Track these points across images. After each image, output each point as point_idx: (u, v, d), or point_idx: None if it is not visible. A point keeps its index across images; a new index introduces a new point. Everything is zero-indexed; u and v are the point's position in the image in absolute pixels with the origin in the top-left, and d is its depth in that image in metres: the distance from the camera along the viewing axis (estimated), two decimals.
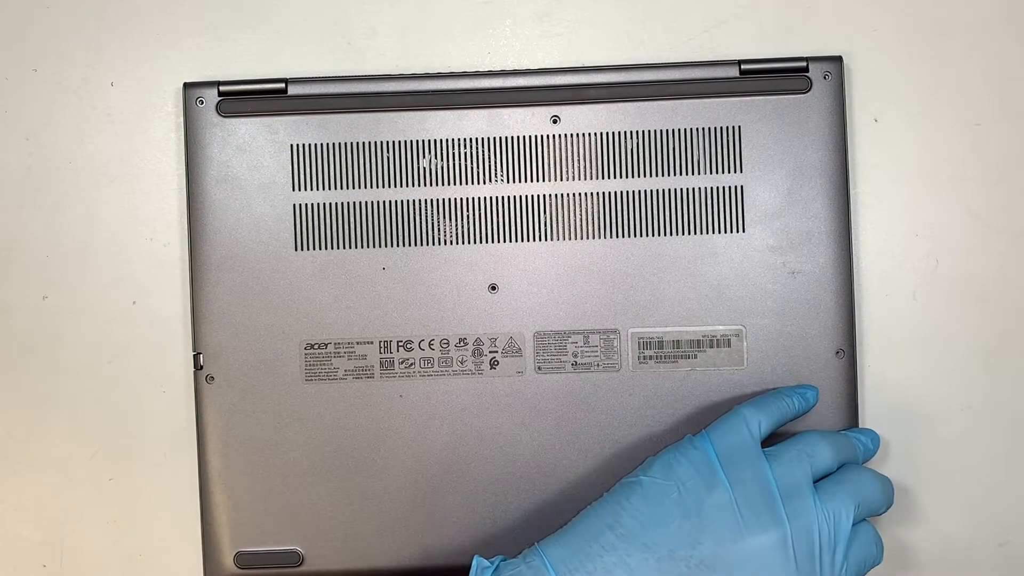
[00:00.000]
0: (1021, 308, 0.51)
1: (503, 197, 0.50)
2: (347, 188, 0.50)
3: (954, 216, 0.52)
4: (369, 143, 0.50)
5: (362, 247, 0.50)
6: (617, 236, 0.50)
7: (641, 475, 0.44)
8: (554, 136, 0.50)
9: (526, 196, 0.50)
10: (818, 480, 0.45)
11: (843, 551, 0.43)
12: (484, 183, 0.50)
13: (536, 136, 0.50)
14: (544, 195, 0.50)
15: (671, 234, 0.50)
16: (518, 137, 0.50)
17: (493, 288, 0.50)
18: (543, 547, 0.43)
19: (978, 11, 0.52)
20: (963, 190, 0.52)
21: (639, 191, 0.50)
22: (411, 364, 0.50)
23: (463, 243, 0.50)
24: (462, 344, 0.50)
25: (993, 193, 0.51)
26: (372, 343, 0.50)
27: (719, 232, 0.50)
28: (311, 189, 0.50)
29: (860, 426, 0.50)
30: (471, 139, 0.50)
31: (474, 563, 0.44)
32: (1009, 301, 0.51)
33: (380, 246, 0.50)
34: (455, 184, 0.50)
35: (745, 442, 0.44)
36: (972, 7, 0.52)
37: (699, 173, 0.50)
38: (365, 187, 0.50)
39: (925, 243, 0.52)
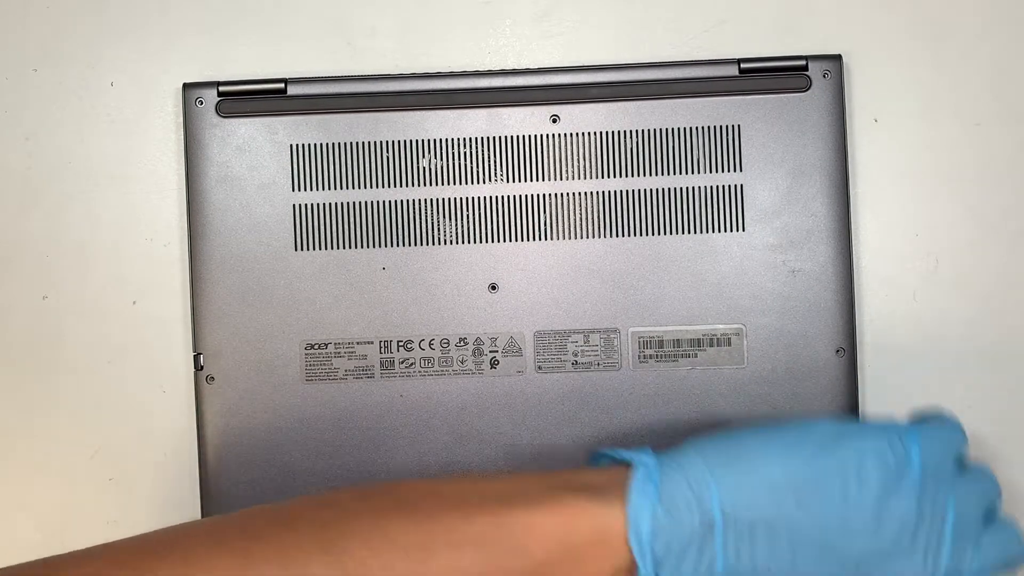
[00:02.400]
0: (1021, 308, 0.51)
1: (503, 197, 0.50)
2: (347, 188, 0.50)
3: (954, 216, 0.52)
4: (369, 143, 0.50)
5: (362, 247, 0.50)
6: (617, 236, 0.50)
7: (835, 447, 0.40)
8: (554, 135, 0.50)
9: (526, 196, 0.50)
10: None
11: None
12: (484, 183, 0.50)
13: (536, 136, 0.50)
14: (544, 195, 0.50)
15: (671, 233, 0.50)
16: (518, 137, 0.50)
17: (493, 288, 0.50)
18: (711, 476, 0.39)
19: (978, 11, 0.52)
20: (963, 190, 0.52)
21: (639, 190, 0.50)
22: (411, 364, 0.50)
23: (463, 243, 0.50)
24: (462, 344, 0.50)
25: (993, 193, 0.51)
26: (372, 343, 0.50)
27: (719, 231, 0.50)
28: (311, 189, 0.50)
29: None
30: (471, 139, 0.50)
31: (635, 460, 0.40)
32: (1009, 301, 0.51)
33: (380, 246, 0.50)
34: (455, 184, 0.50)
35: (948, 466, 0.40)
36: (972, 7, 0.52)
37: (699, 172, 0.50)
38: (365, 187, 0.50)
39: (925, 243, 0.52)
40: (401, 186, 0.50)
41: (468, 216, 0.50)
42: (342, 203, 0.50)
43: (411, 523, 0.38)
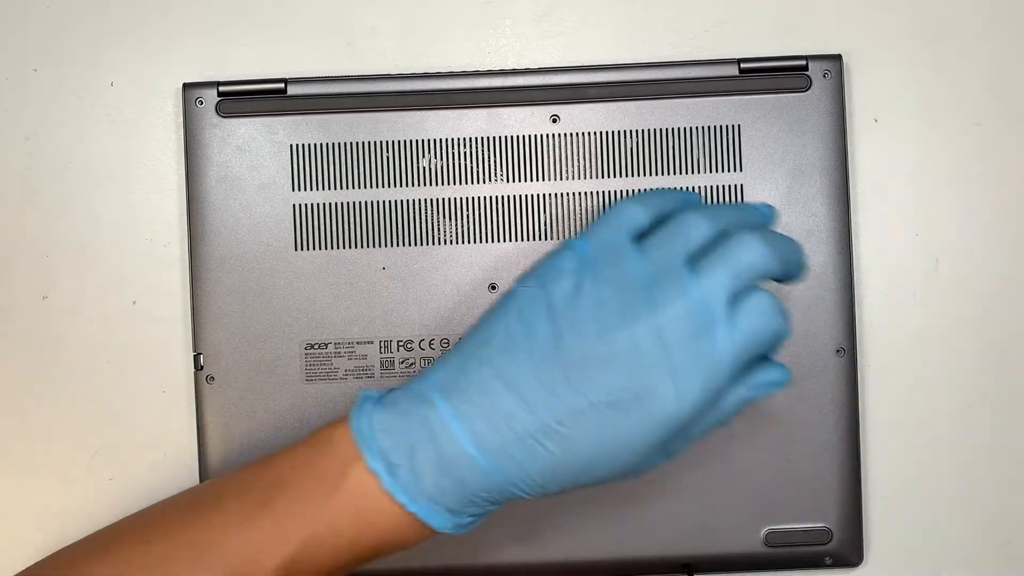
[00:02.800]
0: (1022, 308, 0.51)
1: (503, 197, 0.50)
2: (347, 188, 0.50)
3: (954, 216, 0.52)
4: (369, 143, 0.50)
5: (362, 247, 0.50)
6: None
7: (516, 285, 0.42)
8: (554, 135, 0.50)
9: (526, 196, 0.50)
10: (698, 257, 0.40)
11: (725, 329, 0.38)
12: (484, 183, 0.50)
13: (536, 136, 0.50)
14: (544, 195, 0.50)
15: None
16: (518, 137, 0.50)
17: (493, 288, 0.50)
18: (429, 373, 0.42)
19: (978, 11, 0.52)
20: (963, 190, 0.52)
21: (639, 190, 0.50)
22: (411, 364, 0.50)
23: (463, 243, 0.50)
24: None
25: (993, 193, 0.51)
26: (372, 343, 0.50)
27: None
28: (311, 189, 0.50)
29: (860, 425, 0.50)
30: (471, 139, 0.50)
31: (359, 395, 0.43)
32: (1009, 301, 0.51)
33: (380, 246, 0.50)
34: (455, 184, 0.50)
35: (618, 236, 0.41)
36: (972, 7, 0.52)
37: (699, 172, 0.50)
38: (365, 187, 0.50)
39: (925, 243, 0.52)
40: (401, 186, 0.50)
41: (468, 216, 0.50)
42: (342, 203, 0.50)
43: (202, 489, 0.44)
